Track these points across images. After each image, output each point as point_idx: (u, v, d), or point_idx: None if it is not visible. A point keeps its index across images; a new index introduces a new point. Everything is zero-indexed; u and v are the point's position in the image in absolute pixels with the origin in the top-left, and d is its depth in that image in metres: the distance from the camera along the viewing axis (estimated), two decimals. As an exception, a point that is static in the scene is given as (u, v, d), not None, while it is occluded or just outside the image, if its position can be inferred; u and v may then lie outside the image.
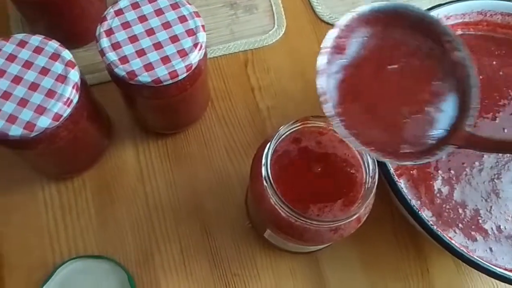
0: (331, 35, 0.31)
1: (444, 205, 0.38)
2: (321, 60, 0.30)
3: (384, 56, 0.31)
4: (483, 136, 0.29)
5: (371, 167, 0.31)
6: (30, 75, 0.34)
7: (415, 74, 0.31)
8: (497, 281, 0.41)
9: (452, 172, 0.39)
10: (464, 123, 0.29)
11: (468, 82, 0.30)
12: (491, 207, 0.38)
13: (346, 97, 0.30)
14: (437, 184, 0.39)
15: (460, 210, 0.38)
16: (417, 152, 0.29)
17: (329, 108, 0.29)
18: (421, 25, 0.31)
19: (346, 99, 0.30)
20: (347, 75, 0.30)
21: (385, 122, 0.30)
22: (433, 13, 0.41)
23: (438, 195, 0.38)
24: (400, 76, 0.31)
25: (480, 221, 0.38)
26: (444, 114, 0.30)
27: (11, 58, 0.34)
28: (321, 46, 0.30)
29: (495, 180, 0.39)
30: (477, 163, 0.39)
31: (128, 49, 0.35)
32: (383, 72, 0.31)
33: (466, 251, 0.35)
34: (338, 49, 0.31)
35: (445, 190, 0.38)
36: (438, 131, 0.30)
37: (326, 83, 0.30)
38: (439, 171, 0.39)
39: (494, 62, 0.43)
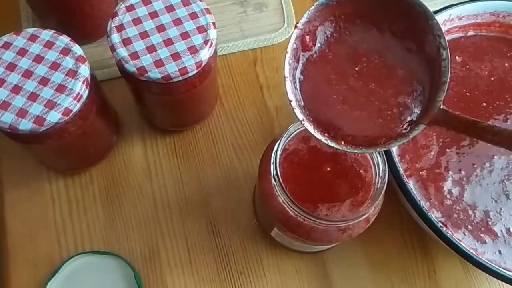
0: (292, 38, 0.30)
1: (454, 206, 0.38)
2: (286, 66, 0.29)
3: (347, 51, 0.30)
4: (457, 114, 0.28)
5: (381, 168, 0.31)
6: (41, 70, 0.34)
7: (381, 63, 0.30)
8: (505, 284, 0.41)
9: (463, 172, 0.39)
10: (436, 100, 0.28)
11: (438, 57, 0.29)
12: (501, 208, 0.38)
13: (315, 98, 0.30)
14: (447, 185, 0.38)
15: (470, 212, 0.38)
16: (393, 136, 0.29)
17: (298, 113, 0.29)
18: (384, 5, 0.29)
19: (315, 100, 0.30)
20: (314, 75, 0.30)
21: (356, 119, 0.29)
22: (446, 13, 0.41)
23: (448, 196, 0.38)
24: (366, 67, 0.30)
25: (490, 223, 0.38)
26: (415, 97, 0.29)
27: (22, 52, 0.34)
28: (286, 50, 0.30)
29: (505, 181, 0.39)
30: (487, 164, 0.39)
31: (139, 45, 0.35)
32: (349, 68, 0.30)
33: (475, 254, 0.34)
34: (303, 49, 0.30)
35: (455, 191, 0.38)
36: (411, 116, 0.29)
37: (293, 88, 0.29)
38: (450, 172, 0.39)
39: (506, 64, 0.43)
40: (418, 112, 0.29)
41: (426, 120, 0.28)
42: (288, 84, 0.29)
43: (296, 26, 0.30)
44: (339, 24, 0.30)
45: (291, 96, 0.29)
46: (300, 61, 0.30)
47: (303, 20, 0.29)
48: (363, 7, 0.29)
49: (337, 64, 0.30)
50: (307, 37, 0.30)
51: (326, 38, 0.30)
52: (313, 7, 0.29)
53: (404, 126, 0.29)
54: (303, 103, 0.30)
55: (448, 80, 0.28)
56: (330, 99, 0.29)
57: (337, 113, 0.29)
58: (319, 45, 0.30)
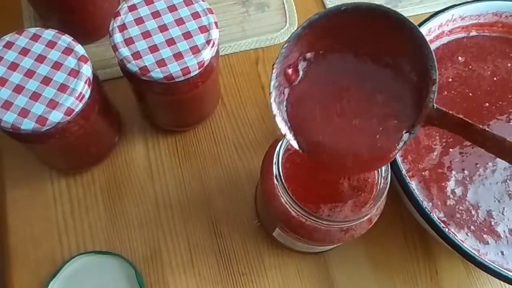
0: (272, 78, 0.29)
1: (457, 207, 0.38)
2: (272, 104, 0.29)
3: (328, 80, 0.30)
4: (451, 113, 0.27)
5: (383, 168, 0.31)
6: (43, 69, 0.34)
7: (362, 91, 0.29)
8: (507, 285, 0.41)
9: (466, 172, 0.39)
10: (428, 101, 0.27)
11: (423, 59, 0.28)
12: (503, 208, 0.38)
13: (304, 128, 0.30)
14: (450, 185, 0.38)
15: (473, 212, 0.38)
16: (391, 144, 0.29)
17: (290, 139, 0.29)
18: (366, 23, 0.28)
19: (305, 132, 0.30)
20: (299, 105, 0.30)
21: (348, 140, 0.29)
22: (448, 14, 0.41)
23: (451, 196, 0.38)
24: (349, 101, 0.29)
25: (493, 223, 0.37)
26: (405, 111, 0.29)
27: (24, 52, 0.34)
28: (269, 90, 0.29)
29: (508, 181, 0.39)
30: (490, 164, 0.39)
31: (141, 45, 0.35)
32: (332, 101, 0.30)
33: (477, 254, 0.34)
34: (288, 82, 0.30)
35: (458, 191, 0.38)
36: (406, 127, 0.29)
37: (283, 122, 0.29)
38: (453, 172, 0.39)
39: (509, 64, 0.43)
40: (413, 118, 0.29)
41: (420, 121, 0.28)
42: (279, 119, 0.29)
43: (272, 66, 0.29)
44: (318, 53, 0.30)
45: (284, 129, 0.29)
46: (286, 93, 0.30)
47: (278, 59, 0.29)
48: (338, 33, 0.29)
49: (320, 94, 0.30)
50: (290, 70, 0.29)
51: (308, 67, 0.30)
52: (285, 44, 0.28)
53: (402, 137, 0.29)
54: (293, 134, 0.30)
55: (437, 79, 0.27)
56: (320, 130, 0.29)
57: (331, 147, 0.29)
58: (302, 74, 0.30)
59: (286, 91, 0.30)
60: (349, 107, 0.29)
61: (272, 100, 0.29)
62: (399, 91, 0.29)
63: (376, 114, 0.29)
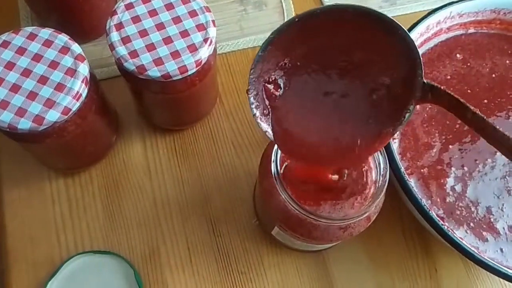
0: (250, 102, 0.28)
1: (456, 203, 0.38)
2: (260, 124, 0.29)
3: (309, 88, 0.29)
4: (442, 88, 0.26)
5: (382, 166, 0.31)
6: (40, 68, 0.34)
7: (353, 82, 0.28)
8: (506, 282, 0.41)
9: (466, 168, 0.39)
10: (417, 77, 0.26)
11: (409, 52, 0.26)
12: (503, 204, 0.38)
13: (291, 138, 0.29)
14: (450, 181, 0.38)
15: (473, 208, 0.38)
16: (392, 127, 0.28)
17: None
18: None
19: (292, 133, 0.29)
20: (285, 116, 0.29)
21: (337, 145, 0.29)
22: (446, 11, 0.41)
23: (450, 192, 0.38)
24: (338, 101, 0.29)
25: (492, 219, 0.37)
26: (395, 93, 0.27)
27: (21, 51, 0.34)
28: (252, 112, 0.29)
29: (507, 177, 0.39)
30: (489, 160, 0.39)
31: (138, 43, 0.34)
32: (319, 97, 0.29)
33: (477, 252, 0.34)
34: (270, 99, 0.29)
35: (458, 187, 0.38)
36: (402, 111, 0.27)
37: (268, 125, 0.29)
38: (452, 168, 0.39)
39: (507, 61, 0.43)
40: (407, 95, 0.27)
41: (413, 100, 0.26)
42: (270, 134, 0.29)
43: (247, 92, 0.28)
44: (296, 63, 0.29)
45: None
46: (269, 108, 0.29)
47: (250, 84, 0.28)
48: (312, 39, 0.28)
49: (306, 104, 0.29)
50: (270, 86, 0.29)
51: (287, 79, 0.29)
52: (257, 58, 0.28)
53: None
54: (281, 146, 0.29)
55: (420, 58, 0.26)
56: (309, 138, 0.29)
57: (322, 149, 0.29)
58: (282, 87, 0.29)
59: (269, 107, 0.29)
60: (336, 107, 0.29)
61: (258, 120, 0.29)
62: (385, 84, 0.28)
63: (365, 108, 0.28)
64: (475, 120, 0.26)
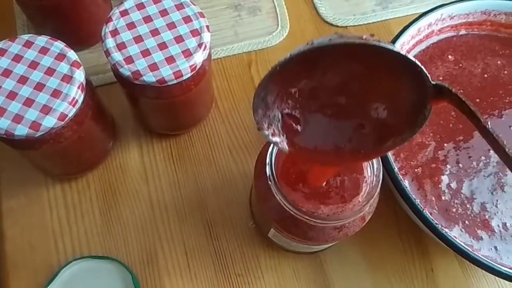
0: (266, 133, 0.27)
1: (451, 200, 0.38)
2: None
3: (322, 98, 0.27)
4: (451, 88, 0.25)
5: (375, 166, 0.31)
6: (36, 75, 0.34)
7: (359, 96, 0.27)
8: (502, 281, 0.41)
9: (461, 165, 0.39)
10: (426, 84, 0.25)
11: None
12: (497, 200, 0.38)
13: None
14: (445, 179, 0.39)
15: (468, 205, 0.38)
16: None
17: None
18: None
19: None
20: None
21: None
22: (437, 13, 0.42)
23: (446, 190, 0.38)
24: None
25: (487, 216, 0.38)
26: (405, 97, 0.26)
27: (17, 58, 0.35)
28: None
29: (500, 173, 0.39)
30: (483, 157, 0.40)
31: (133, 49, 0.35)
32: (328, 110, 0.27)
33: (471, 250, 0.34)
34: (291, 134, 0.27)
35: (453, 184, 0.38)
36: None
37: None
38: (447, 165, 0.39)
39: (499, 62, 0.43)
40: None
41: (428, 99, 0.25)
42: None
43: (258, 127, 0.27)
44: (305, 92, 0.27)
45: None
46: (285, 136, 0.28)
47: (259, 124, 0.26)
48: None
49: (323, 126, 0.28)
50: (289, 120, 0.27)
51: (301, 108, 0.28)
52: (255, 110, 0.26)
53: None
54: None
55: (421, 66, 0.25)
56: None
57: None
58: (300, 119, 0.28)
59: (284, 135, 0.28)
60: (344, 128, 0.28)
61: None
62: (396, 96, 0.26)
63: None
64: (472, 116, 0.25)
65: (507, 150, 0.24)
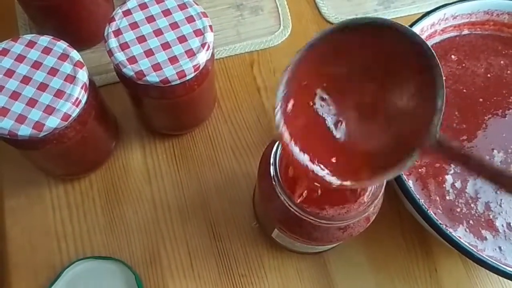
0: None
1: (456, 200, 0.38)
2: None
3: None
4: (452, 145, 0.25)
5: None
6: (39, 76, 0.34)
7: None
8: (506, 281, 0.41)
9: None
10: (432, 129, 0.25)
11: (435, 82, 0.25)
12: (501, 200, 0.38)
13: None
14: (449, 178, 0.39)
15: (472, 204, 0.38)
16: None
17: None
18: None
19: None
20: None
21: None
22: (440, 13, 0.42)
23: (450, 190, 0.38)
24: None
25: (491, 216, 0.38)
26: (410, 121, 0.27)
27: (20, 58, 0.34)
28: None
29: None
30: (487, 157, 0.40)
31: (136, 49, 0.35)
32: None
33: (475, 250, 0.34)
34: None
35: (457, 183, 0.38)
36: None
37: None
38: (451, 165, 0.39)
39: (502, 62, 0.43)
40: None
41: (421, 146, 0.25)
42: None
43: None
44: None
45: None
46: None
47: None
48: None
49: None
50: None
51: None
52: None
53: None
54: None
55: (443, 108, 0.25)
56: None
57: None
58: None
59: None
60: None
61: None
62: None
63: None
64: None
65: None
